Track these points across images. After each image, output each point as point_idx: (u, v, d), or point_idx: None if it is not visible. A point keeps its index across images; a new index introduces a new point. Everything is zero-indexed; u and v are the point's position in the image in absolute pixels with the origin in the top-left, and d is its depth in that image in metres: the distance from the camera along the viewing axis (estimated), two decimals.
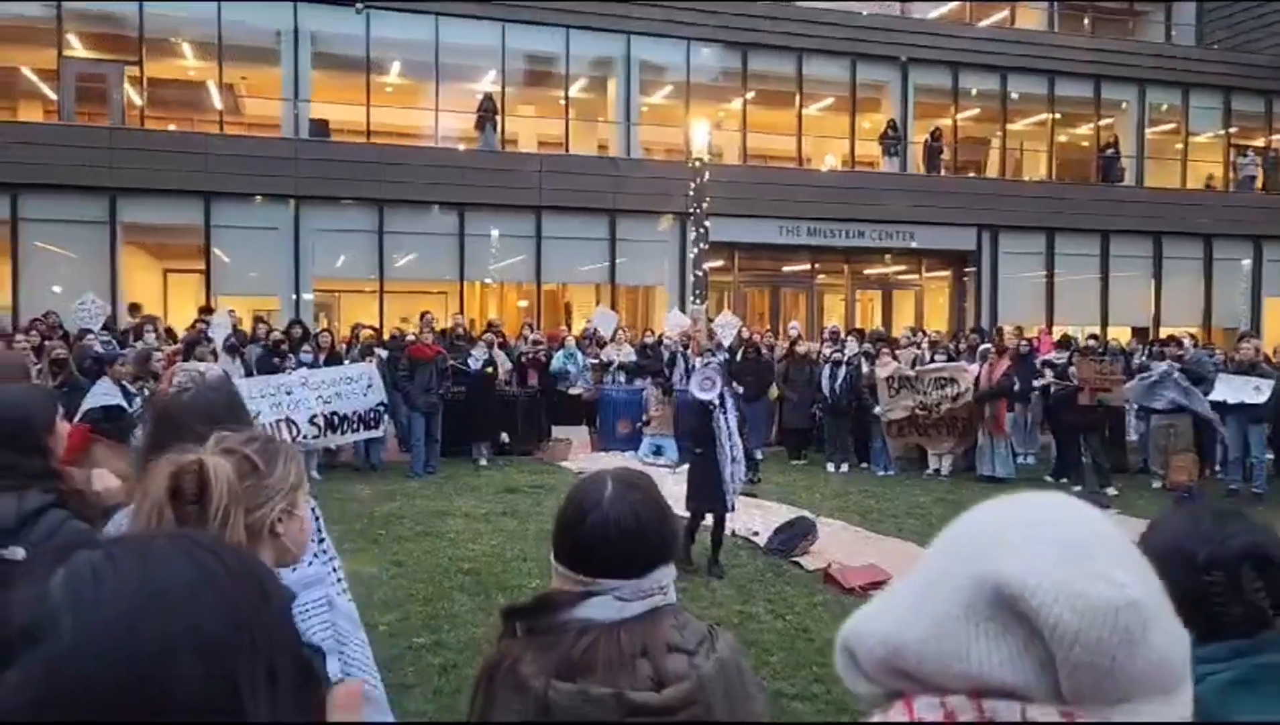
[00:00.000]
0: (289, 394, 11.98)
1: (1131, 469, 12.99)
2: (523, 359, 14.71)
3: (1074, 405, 11.69)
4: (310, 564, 2.48)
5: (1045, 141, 23.73)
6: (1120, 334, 20.72)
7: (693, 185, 17.17)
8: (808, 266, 22.37)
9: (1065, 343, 13.50)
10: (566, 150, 20.61)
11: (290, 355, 12.82)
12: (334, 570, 2.65)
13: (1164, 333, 18.74)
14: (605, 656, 1.53)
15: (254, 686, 0.70)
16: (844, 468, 13.45)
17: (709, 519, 7.97)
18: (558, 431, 14.55)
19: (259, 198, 18.23)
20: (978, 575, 0.90)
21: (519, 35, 20.12)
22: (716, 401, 7.79)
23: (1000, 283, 22.56)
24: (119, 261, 17.63)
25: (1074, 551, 0.89)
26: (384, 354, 13.13)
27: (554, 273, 20.40)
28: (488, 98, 19.78)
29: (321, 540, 2.59)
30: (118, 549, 0.73)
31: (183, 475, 1.71)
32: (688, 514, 8.04)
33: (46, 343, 11.30)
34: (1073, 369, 12.04)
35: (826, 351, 14.29)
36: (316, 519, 2.55)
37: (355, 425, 12.55)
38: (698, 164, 17.06)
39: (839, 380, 13.56)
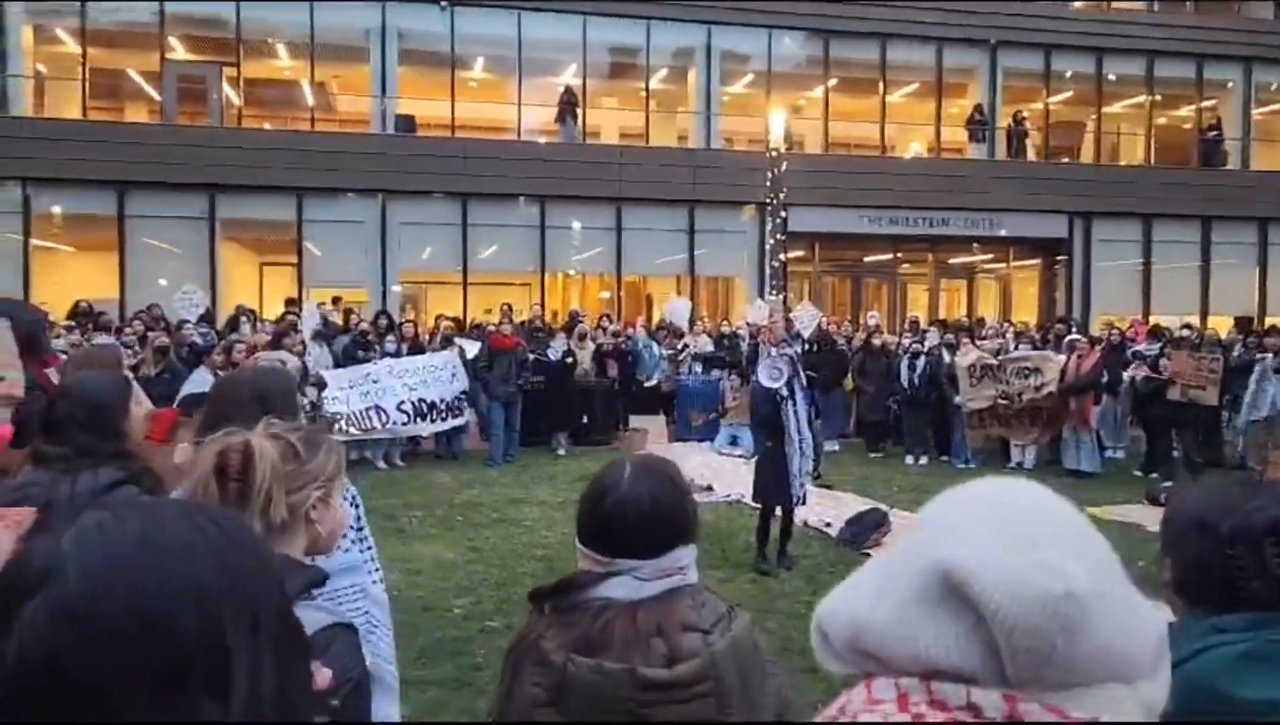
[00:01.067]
0: (375, 383, 12.39)
1: (1227, 465, 12.48)
2: (601, 350, 14.88)
3: (1165, 399, 11.31)
4: (347, 551, 2.62)
5: (1143, 124, 22.91)
6: (1221, 325, 19.92)
7: (770, 175, 17.07)
8: (890, 256, 22.06)
9: (1158, 333, 13.04)
10: (647, 142, 20.70)
11: (375, 346, 13.21)
12: (371, 559, 2.77)
13: (1269, 322, 17.96)
14: (622, 634, 1.60)
15: (237, 632, 0.79)
16: (923, 460, 13.27)
17: (779, 511, 7.98)
18: (635, 421, 14.67)
19: (350, 193, 18.77)
20: (931, 561, 0.92)
21: (600, 28, 20.27)
22: (785, 392, 7.77)
23: (1093, 272, 21.90)
24: (218, 255, 18.37)
25: (1021, 539, 0.90)
26: (472, 347, 13.40)
27: (634, 264, 20.53)
28: (568, 90, 19.99)
29: (360, 528, 2.72)
30: (124, 509, 0.82)
31: (229, 454, 1.84)
32: (758, 507, 8.09)
33: (150, 333, 11.84)
34: (1165, 361, 11.64)
35: (905, 342, 14.10)
36: (356, 507, 2.69)
37: (442, 412, 12.89)
38: (774, 153, 16.96)
39: (918, 371, 13.38)
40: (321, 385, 11.39)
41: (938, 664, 0.89)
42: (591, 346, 14.60)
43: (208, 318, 14.27)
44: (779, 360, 8.01)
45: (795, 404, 7.84)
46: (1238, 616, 1.45)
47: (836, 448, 14.02)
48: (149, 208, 17.99)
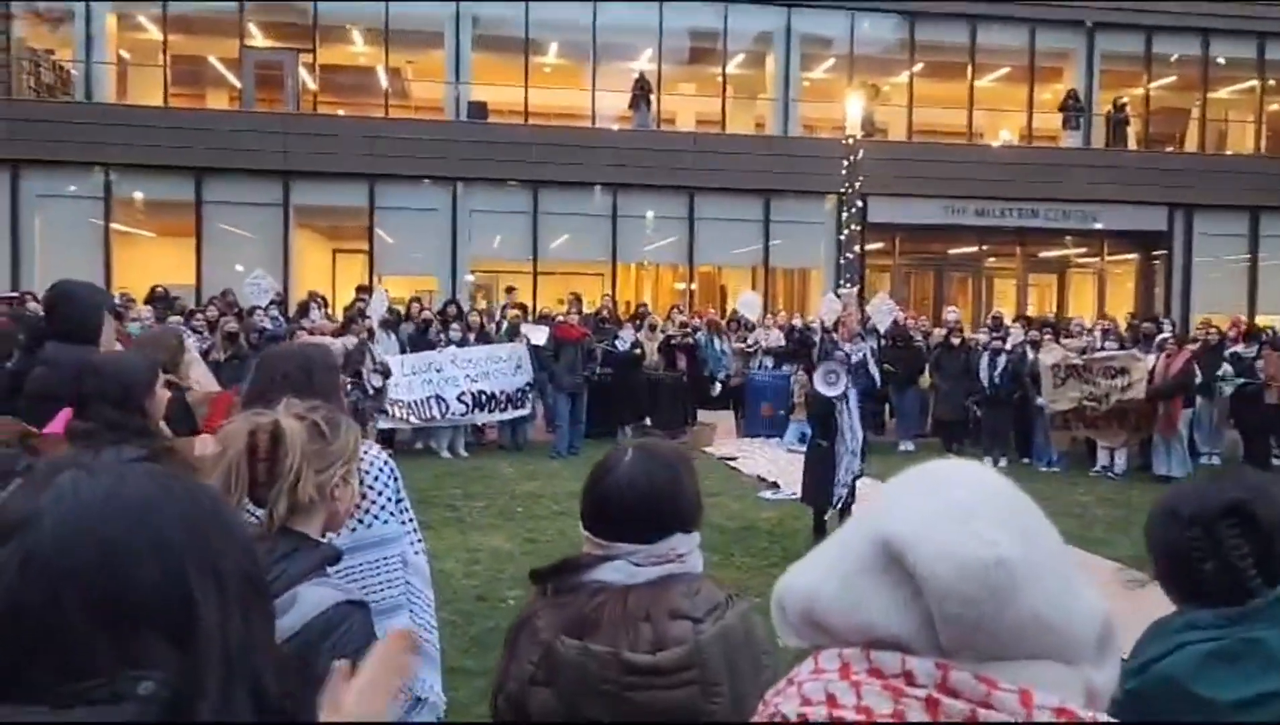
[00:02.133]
0: (439, 372, 12.70)
1: None
2: (670, 342, 14.94)
3: (1261, 403, 10.92)
4: (387, 522, 2.73)
5: (1252, 111, 22.03)
6: None
7: (846, 163, 16.92)
8: (975, 249, 21.64)
9: (1254, 334, 12.58)
10: (723, 129, 20.68)
11: (441, 334, 13.50)
12: (413, 530, 2.88)
13: None
14: (610, 617, 1.67)
15: (203, 587, 0.87)
16: (1002, 462, 13.03)
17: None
18: (703, 416, 14.71)
19: (423, 181, 19.14)
20: (874, 532, 0.97)
21: (677, 12, 20.28)
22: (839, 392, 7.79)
23: (1194, 268, 21.16)
24: (291, 242, 18.92)
25: (957, 510, 0.94)
26: (538, 333, 13.58)
27: (708, 254, 20.53)
28: (642, 77, 20.05)
29: (400, 500, 2.83)
30: (98, 469, 0.91)
31: (258, 434, 1.94)
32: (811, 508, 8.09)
33: (221, 318, 12.27)
34: (1260, 363, 11.23)
35: (983, 337, 13.86)
36: (395, 479, 2.80)
37: (502, 404, 13.13)
38: (851, 140, 16.79)
39: (999, 369, 13.14)
40: (387, 373, 11.70)
41: (878, 633, 0.93)
42: (660, 338, 14.68)
43: (279, 304, 14.71)
44: (835, 364, 7.99)
45: (849, 403, 7.80)
46: (1211, 612, 1.44)
47: (911, 447, 13.86)
48: (225, 194, 18.61)
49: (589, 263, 20.63)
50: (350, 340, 10.86)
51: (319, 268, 20.74)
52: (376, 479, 2.74)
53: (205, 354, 10.37)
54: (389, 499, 2.75)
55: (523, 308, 15.76)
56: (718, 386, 15.00)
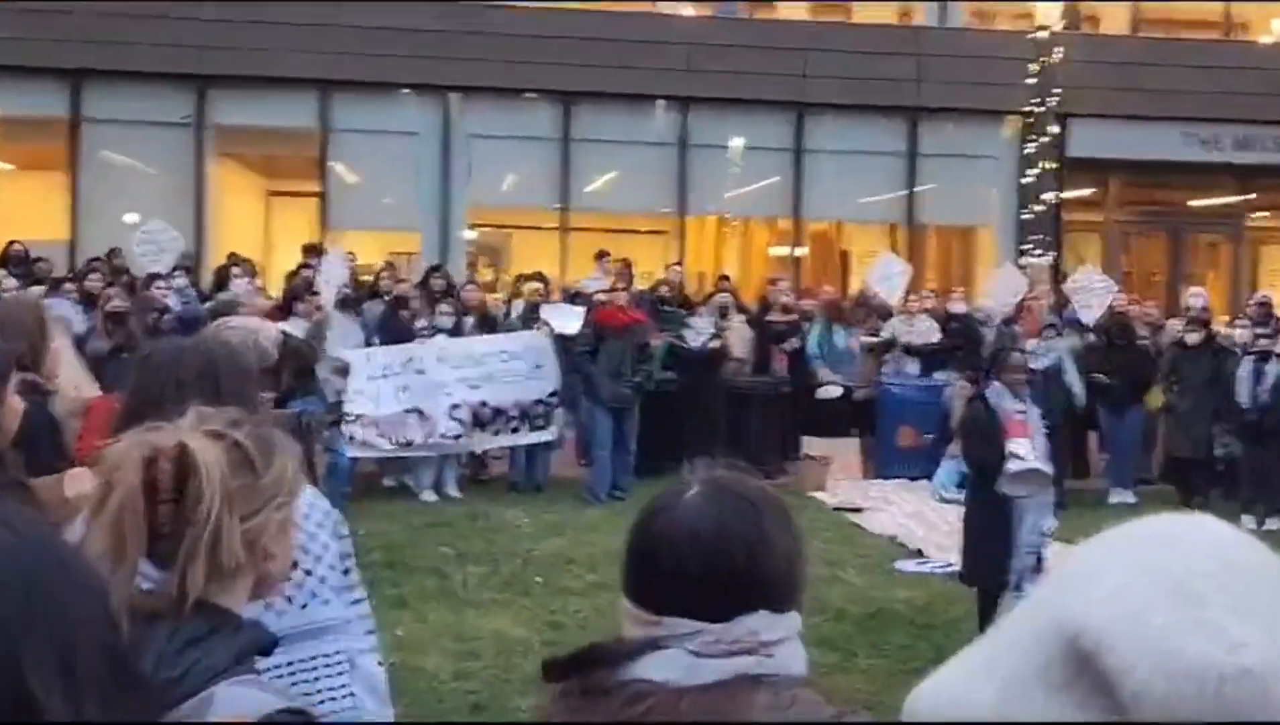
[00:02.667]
0: (420, 373, 12.85)
1: None
2: (766, 334, 14.88)
3: None
4: (328, 602, 2.75)
5: None
6: None
7: (1036, 69, 16.76)
8: (1234, 198, 21.30)
9: None
10: (848, 19, 20.63)
11: (426, 317, 13.62)
12: (362, 617, 2.90)
13: None
14: None
15: (42, 673, 0.88)
16: (1270, 523, 12.85)
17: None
18: (812, 444, 14.69)
19: (400, 90, 19.36)
20: (1056, 621, 0.97)
21: None
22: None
23: None
24: (207, 179, 19.17)
25: (1184, 592, 0.94)
26: (567, 321, 13.63)
27: (823, 204, 20.49)
28: None
29: (347, 570, 2.86)
30: None
31: (160, 461, 1.96)
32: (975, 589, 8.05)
33: (108, 291, 12.46)
34: None
35: (1242, 334, 13.65)
36: (340, 537, 2.82)
37: (515, 422, 13.23)
38: (1045, 35, 16.64)
39: (1267, 382, 12.97)
40: (345, 371, 11.84)
41: None
42: (747, 331, 14.63)
43: (188, 271, 14.94)
44: (1025, 369, 7.98)
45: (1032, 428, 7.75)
46: None
47: (1130, 498, 13.70)
48: (112, 108, 18.91)
49: (645, 215, 20.64)
50: (297, 325, 11.00)
51: (247, 218, 21.01)
52: (312, 538, 2.78)
53: (80, 343, 10.51)
54: (330, 567, 2.79)
55: (545, 280, 15.86)
56: (833, 395, 14.96)
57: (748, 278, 21.70)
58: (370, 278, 15.82)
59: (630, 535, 1.88)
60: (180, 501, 1.94)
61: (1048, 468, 7.88)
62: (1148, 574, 0.97)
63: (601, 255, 17.18)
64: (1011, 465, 7.71)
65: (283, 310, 11.72)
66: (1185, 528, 1.02)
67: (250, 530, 1.99)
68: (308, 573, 2.77)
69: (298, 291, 12.38)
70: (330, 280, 13.32)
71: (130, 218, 17.52)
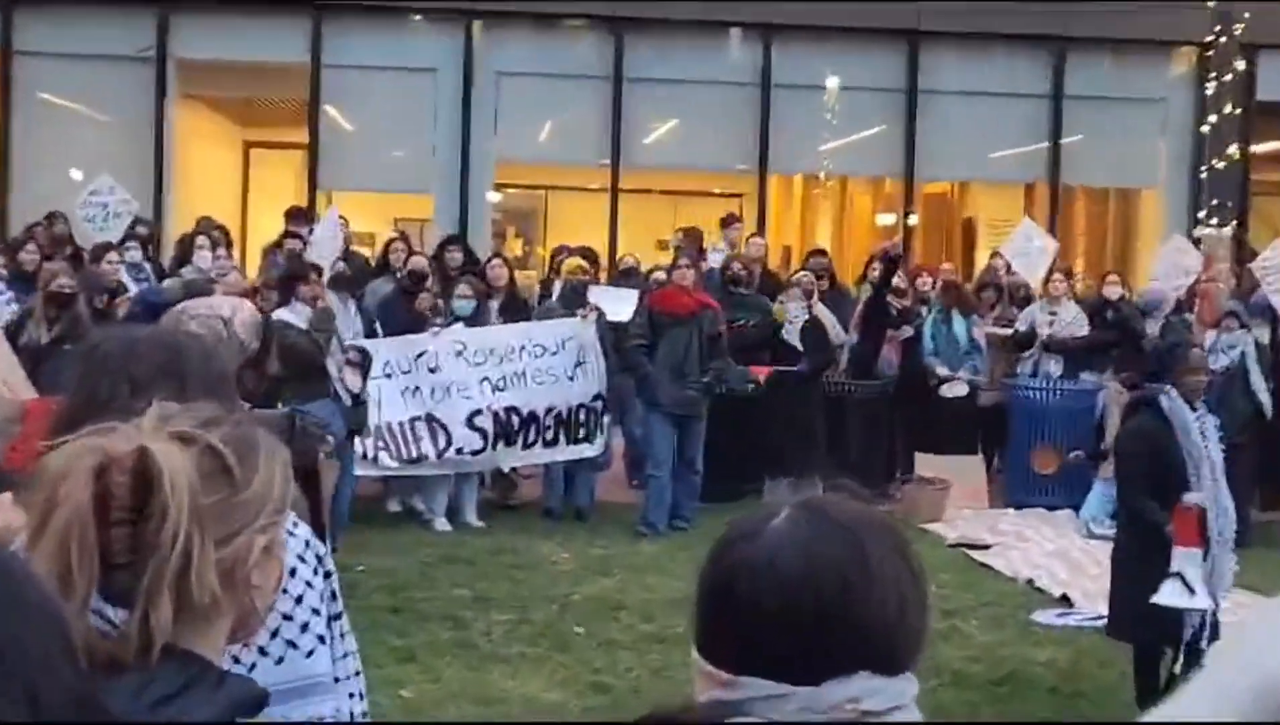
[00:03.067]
0: (433, 372, 12.94)
1: None
2: (870, 324, 14.82)
3: None
4: (312, 654, 2.77)
5: None
6: None
7: None
8: None
9: None
10: None
11: (441, 302, 13.69)
12: (354, 674, 2.93)
13: None
14: None
15: (10, 707, 0.91)
16: None
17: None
18: (926, 462, 14.67)
19: (415, 16, 19.44)
20: (1262, 678, 1.01)
21: None
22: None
23: None
24: (169, 126, 19.22)
25: None
26: (618, 306, 13.63)
27: (941, 160, 20.42)
28: None
29: (337, 616, 2.88)
30: None
31: (113, 471, 1.96)
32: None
33: (49, 267, 12.47)
34: None
35: None
36: (327, 575, 2.84)
37: (551, 433, 13.30)
38: None
39: None
40: (365, 364, 11.74)
41: None
42: (831, 324, 14.63)
43: (146, 240, 15.03)
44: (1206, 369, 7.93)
45: (1209, 449, 7.69)
46: None
47: None
48: (49, 38, 19.01)
49: (717, 173, 20.71)
50: (299, 313, 11.10)
51: (219, 175, 21.17)
52: (291, 574, 2.78)
53: (14, 332, 10.59)
54: (313, 610, 2.82)
55: (592, 256, 15.86)
56: (960, 393, 14.95)
57: (845, 253, 21.70)
58: (369, 251, 15.88)
59: (701, 572, 1.88)
60: (140, 522, 1.92)
61: (1207, 600, 7.64)
62: None
63: (730, 220, 17.22)
64: (1168, 596, 7.53)
65: (282, 293, 11.71)
66: None
67: (228, 557, 1.98)
68: (286, 617, 2.78)
69: (297, 269, 12.30)
70: (321, 252, 13.38)
71: (75, 174, 17.61)
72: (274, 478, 2.10)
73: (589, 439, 13.50)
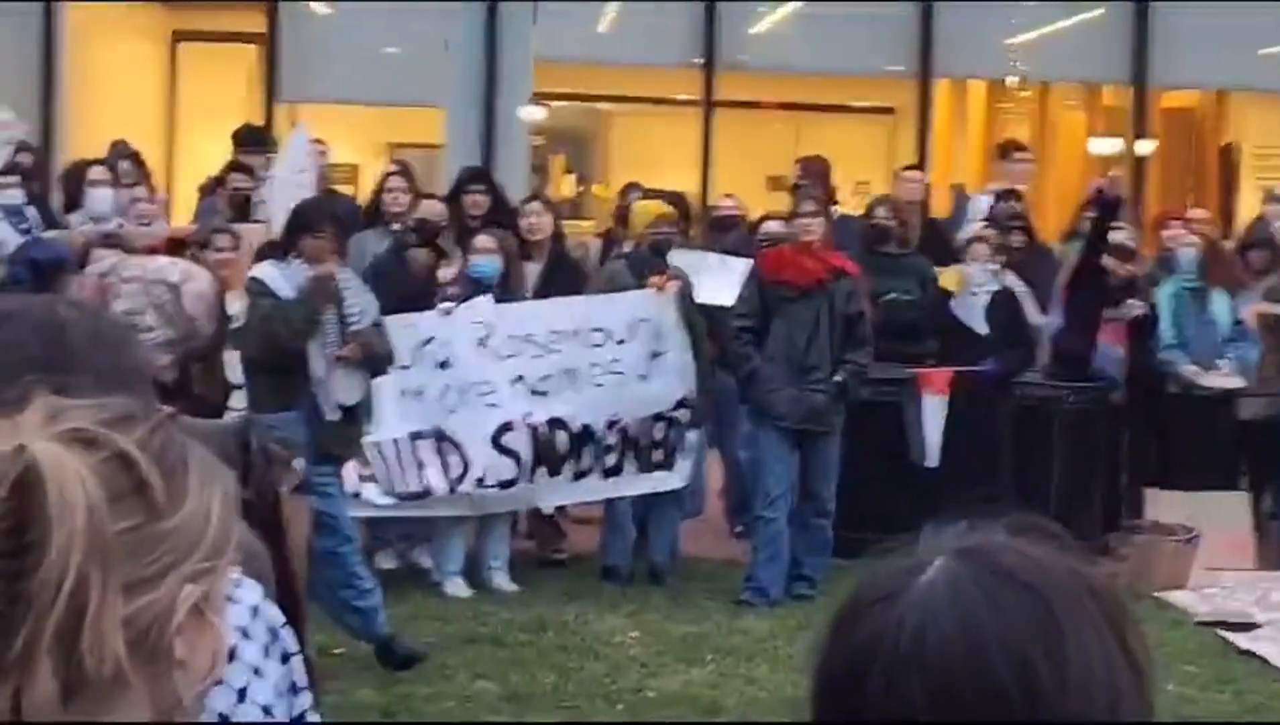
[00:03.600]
0: (444, 367, 12.98)
1: None
2: (1080, 295, 14.82)
3: None
4: None
5: None
6: None
7: None
8: None
9: None
10: None
11: (452, 257, 13.81)
12: None
13: None
14: None
15: None
16: None
17: None
18: (1165, 502, 14.63)
19: None
20: None
21: None
22: None
23: None
24: (61, 12, 19.47)
25: None
26: (718, 279, 13.67)
27: (1185, 59, 20.40)
28: None
29: (300, 720, 2.89)
30: None
31: None
32: None
33: None
34: None
35: None
36: (287, 659, 2.86)
37: (614, 456, 13.33)
38: None
39: None
40: (375, 362, 11.65)
41: None
42: (1028, 301, 14.61)
43: (27, 174, 15.17)
44: None
45: None
46: None
47: None
48: None
49: (859, 79, 20.79)
50: (294, 272, 11.14)
51: (135, 80, 21.47)
52: (232, 657, 2.81)
53: None
54: (262, 710, 2.82)
55: (678, 200, 15.88)
56: (1223, 386, 14.91)
57: (1046, 194, 21.64)
58: (353, 191, 15.88)
59: (818, 652, 1.89)
60: (16, 554, 1.92)
61: None
62: None
63: (1011, 148, 17.23)
64: None
65: (285, 243, 11.63)
66: None
67: (141, 612, 1.96)
68: (223, 719, 2.80)
69: (310, 215, 11.93)
70: (282, 193, 13.43)
71: None
72: (210, 508, 2.07)
73: (668, 465, 13.47)
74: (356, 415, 11.52)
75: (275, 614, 2.90)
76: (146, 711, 2.00)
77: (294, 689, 2.89)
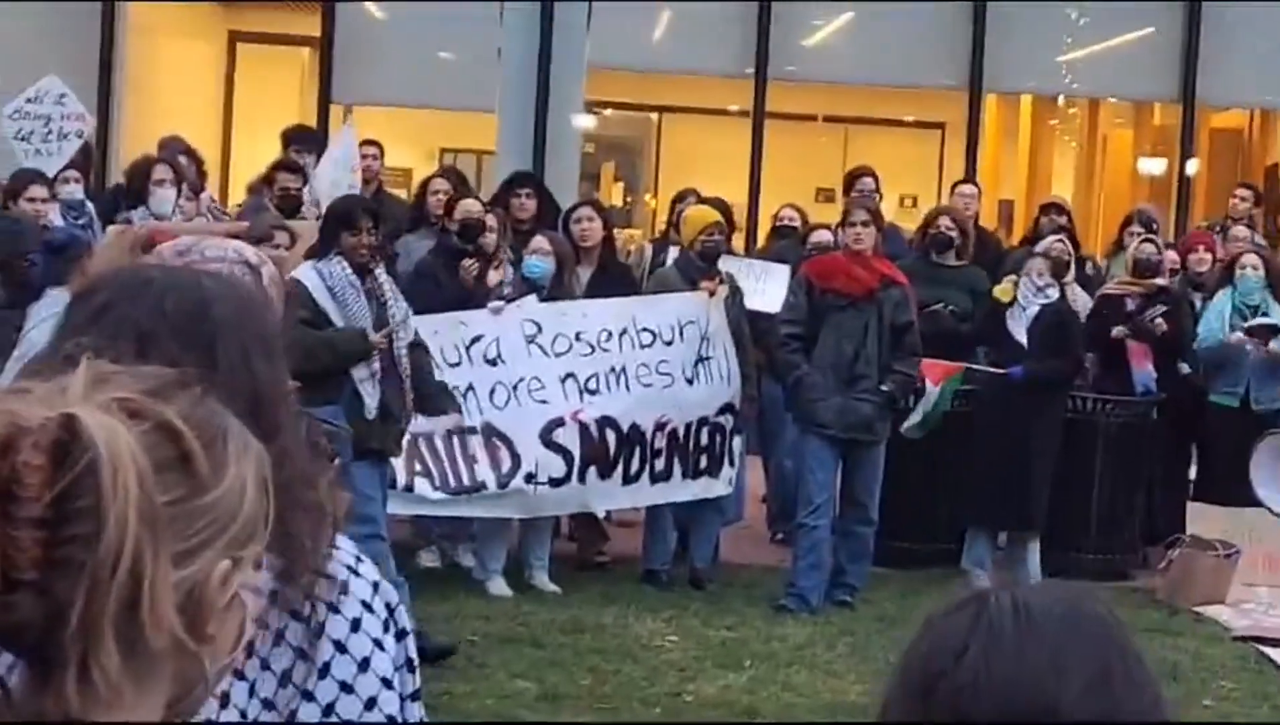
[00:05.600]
0: (493, 364, 12.97)
1: None
2: (1124, 306, 14.78)
3: None
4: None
5: None
6: None
7: None
8: None
9: None
10: None
11: (505, 267, 13.71)
12: None
13: None
14: None
15: None
16: None
17: None
18: (1204, 517, 14.50)
19: None
20: None
21: None
22: None
23: None
24: (122, 11, 19.53)
25: None
26: (763, 288, 13.58)
27: (1235, 76, 20.26)
28: None
29: (415, 696, 2.95)
30: None
31: (19, 448, 1.92)
32: None
33: None
34: None
35: None
36: (403, 636, 2.87)
37: (661, 460, 13.30)
38: None
39: None
40: (423, 383, 11.59)
41: None
42: (1083, 300, 14.52)
43: (86, 169, 15.15)
44: None
45: None
46: None
47: None
48: None
49: (911, 90, 20.79)
50: (335, 270, 11.08)
51: (193, 79, 21.55)
52: (357, 628, 2.84)
53: None
54: (381, 681, 2.86)
55: (726, 209, 15.83)
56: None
57: (1093, 208, 21.59)
58: (407, 192, 15.85)
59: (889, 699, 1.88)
60: (58, 523, 1.86)
61: None
62: None
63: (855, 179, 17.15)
64: None
65: (322, 241, 11.52)
66: None
67: (180, 584, 1.93)
68: (345, 688, 2.83)
69: (346, 210, 11.86)
70: (326, 190, 13.46)
71: None
72: (246, 482, 2.04)
73: (714, 471, 13.45)
74: (394, 412, 11.36)
75: (391, 591, 2.99)
76: (166, 681, 1.96)
77: (410, 665, 2.98)
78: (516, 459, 12.91)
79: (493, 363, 12.96)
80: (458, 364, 12.84)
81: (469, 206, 14.17)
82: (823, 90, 20.86)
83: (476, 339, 12.99)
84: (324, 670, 2.81)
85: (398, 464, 12.27)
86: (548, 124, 19.41)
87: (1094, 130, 23.46)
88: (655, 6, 20.08)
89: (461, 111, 20.22)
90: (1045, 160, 23.64)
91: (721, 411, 13.42)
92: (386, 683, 2.85)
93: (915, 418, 13.99)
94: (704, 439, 13.38)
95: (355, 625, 2.84)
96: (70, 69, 17.76)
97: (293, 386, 3.38)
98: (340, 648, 2.81)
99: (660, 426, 13.21)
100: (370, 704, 2.82)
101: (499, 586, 13.04)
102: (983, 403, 14.21)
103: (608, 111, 21.64)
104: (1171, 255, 15.71)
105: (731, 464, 13.61)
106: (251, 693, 2.80)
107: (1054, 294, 14.34)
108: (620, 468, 13.21)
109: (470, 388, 12.85)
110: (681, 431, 13.29)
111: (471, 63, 19.83)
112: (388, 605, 2.92)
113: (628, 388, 13.19)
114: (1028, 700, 1.86)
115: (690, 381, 13.29)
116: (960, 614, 1.91)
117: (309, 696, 2.80)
